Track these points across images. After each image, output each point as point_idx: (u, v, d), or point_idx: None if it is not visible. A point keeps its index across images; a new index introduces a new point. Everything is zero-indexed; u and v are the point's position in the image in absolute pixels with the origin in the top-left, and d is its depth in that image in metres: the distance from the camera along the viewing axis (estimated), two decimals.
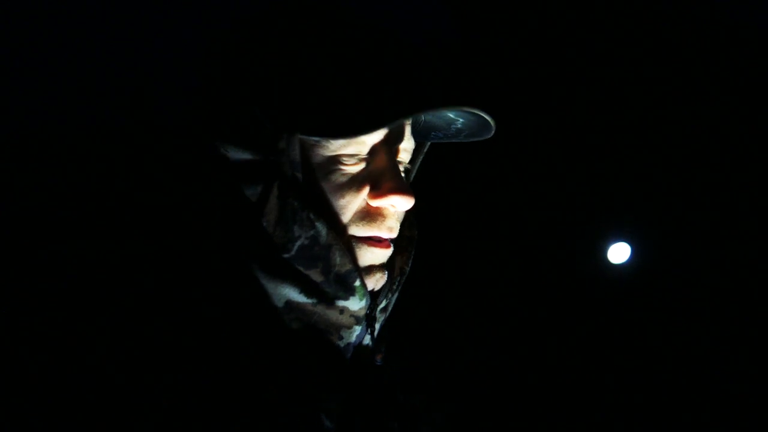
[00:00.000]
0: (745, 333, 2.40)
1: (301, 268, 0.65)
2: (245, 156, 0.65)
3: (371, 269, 0.69)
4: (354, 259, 0.67)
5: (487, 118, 0.65)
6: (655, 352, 2.53)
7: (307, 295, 0.65)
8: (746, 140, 2.50)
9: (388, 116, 0.60)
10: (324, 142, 0.64)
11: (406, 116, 0.61)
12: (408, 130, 0.70)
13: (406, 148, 0.71)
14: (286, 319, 0.66)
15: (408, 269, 0.76)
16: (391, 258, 0.74)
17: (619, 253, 2.56)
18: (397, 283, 0.74)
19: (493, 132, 0.69)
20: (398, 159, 0.71)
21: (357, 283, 0.67)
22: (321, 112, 0.62)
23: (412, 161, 0.79)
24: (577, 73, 2.63)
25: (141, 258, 0.70)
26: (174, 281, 0.66)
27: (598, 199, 2.61)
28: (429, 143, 0.79)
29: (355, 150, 0.65)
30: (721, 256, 2.49)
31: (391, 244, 0.71)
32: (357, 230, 0.67)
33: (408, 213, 0.75)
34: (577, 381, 2.51)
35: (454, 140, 0.75)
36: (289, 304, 0.66)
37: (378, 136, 0.66)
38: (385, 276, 0.71)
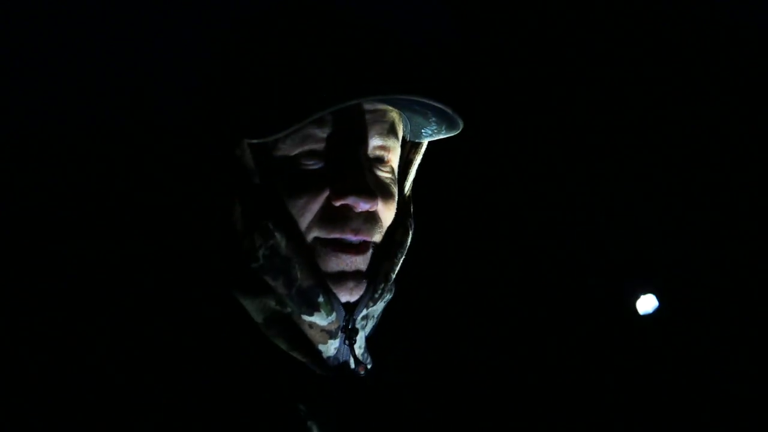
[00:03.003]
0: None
1: (268, 279, 0.63)
2: (213, 168, 0.65)
3: (342, 277, 0.65)
4: (317, 272, 0.64)
5: (431, 102, 0.62)
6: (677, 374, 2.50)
7: (282, 306, 0.65)
8: None
9: (306, 110, 0.57)
10: (278, 144, 0.62)
11: (320, 110, 0.57)
12: (381, 126, 0.67)
13: (380, 145, 0.67)
14: (269, 334, 0.65)
15: (393, 275, 0.72)
16: (377, 263, 0.70)
17: (646, 304, 2.53)
18: (380, 291, 0.70)
19: (459, 119, 0.65)
20: (374, 155, 0.68)
21: (320, 299, 0.64)
22: (255, 113, 0.61)
23: (408, 162, 0.77)
24: (601, 78, 2.61)
25: (141, 258, 0.70)
26: (173, 281, 0.66)
27: (628, 245, 2.57)
28: (425, 143, 0.77)
29: (311, 147, 0.63)
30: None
31: (369, 250, 0.68)
32: (320, 232, 0.64)
33: (403, 218, 0.73)
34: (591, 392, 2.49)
35: (441, 136, 0.72)
36: (269, 319, 0.65)
37: (329, 130, 0.63)
38: (362, 284, 0.67)
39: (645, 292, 2.52)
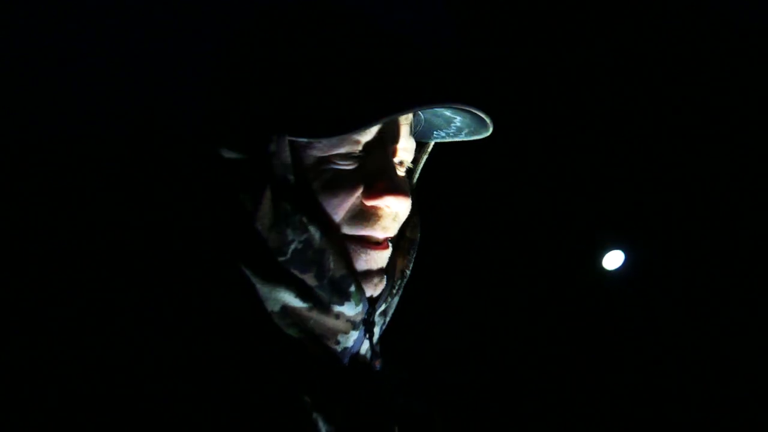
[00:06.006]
0: (743, 335, 2.39)
1: (296, 272, 0.64)
2: (239, 159, 0.65)
3: (368, 274, 0.68)
4: (349, 264, 0.66)
5: (480, 113, 0.64)
6: (651, 354, 2.52)
7: (303, 299, 0.65)
8: (745, 141, 2.48)
9: (371, 116, 0.59)
10: (314, 143, 0.63)
11: (386, 116, 0.59)
12: (406, 129, 0.69)
13: (405, 148, 0.70)
14: (282, 324, 0.65)
15: (409, 272, 0.75)
16: (392, 260, 0.73)
17: (613, 260, 2.56)
18: (397, 287, 0.73)
19: (490, 129, 0.68)
20: (398, 158, 0.70)
21: (352, 288, 0.66)
22: (307, 112, 0.62)
23: (415, 161, 0.78)
24: (575, 75, 2.63)
25: (153, 251, 0.70)
26: (171, 286, 0.65)
27: (594, 206, 2.60)
28: (433, 143, 0.78)
29: (348, 149, 0.64)
30: (717, 258, 2.47)
31: (389, 245, 0.70)
32: (350, 229, 0.66)
33: (412, 214, 0.74)
34: (575, 383, 2.51)
35: (456, 139, 0.74)
36: (285, 309, 0.65)
37: (370, 135, 0.65)
38: (384, 280, 0.70)
39: (612, 248, 2.54)
